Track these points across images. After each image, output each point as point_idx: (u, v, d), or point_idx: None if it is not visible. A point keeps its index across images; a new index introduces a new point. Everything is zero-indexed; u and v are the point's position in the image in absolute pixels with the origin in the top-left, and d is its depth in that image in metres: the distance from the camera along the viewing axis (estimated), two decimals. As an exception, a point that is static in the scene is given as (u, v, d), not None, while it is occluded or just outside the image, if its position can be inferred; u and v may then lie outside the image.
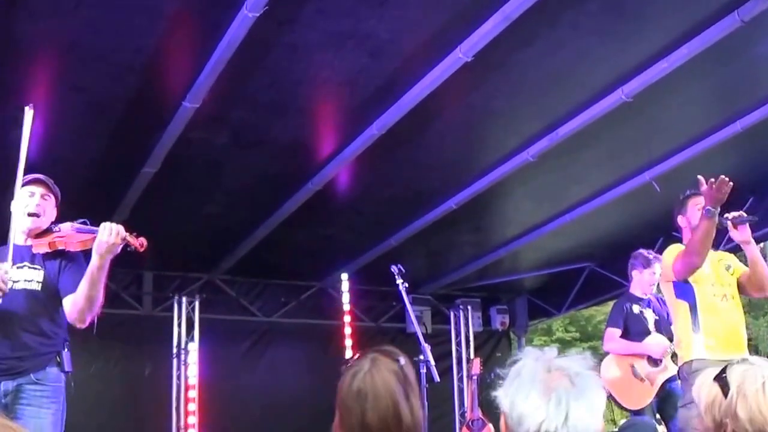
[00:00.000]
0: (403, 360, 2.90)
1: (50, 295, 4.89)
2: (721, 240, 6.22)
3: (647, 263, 7.63)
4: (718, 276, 6.00)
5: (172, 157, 7.52)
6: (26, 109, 4.98)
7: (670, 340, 7.41)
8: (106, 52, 6.10)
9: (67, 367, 4.90)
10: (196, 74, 6.24)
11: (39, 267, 4.89)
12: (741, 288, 6.07)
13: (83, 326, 4.81)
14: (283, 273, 12.07)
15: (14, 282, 4.72)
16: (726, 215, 5.77)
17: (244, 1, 5.37)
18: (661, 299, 7.72)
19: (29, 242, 4.96)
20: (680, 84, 6.93)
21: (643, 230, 10.63)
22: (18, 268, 4.80)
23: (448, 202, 9.29)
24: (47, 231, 4.99)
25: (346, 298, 12.05)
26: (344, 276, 11.98)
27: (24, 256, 4.88)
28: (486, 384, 11.46)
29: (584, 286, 12.49)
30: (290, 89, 6.85)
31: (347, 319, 12.02)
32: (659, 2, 6.03)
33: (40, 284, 4.87)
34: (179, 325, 11.13)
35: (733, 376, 2.70)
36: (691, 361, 5.75)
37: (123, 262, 7.53)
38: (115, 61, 6.21)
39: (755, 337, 23.12)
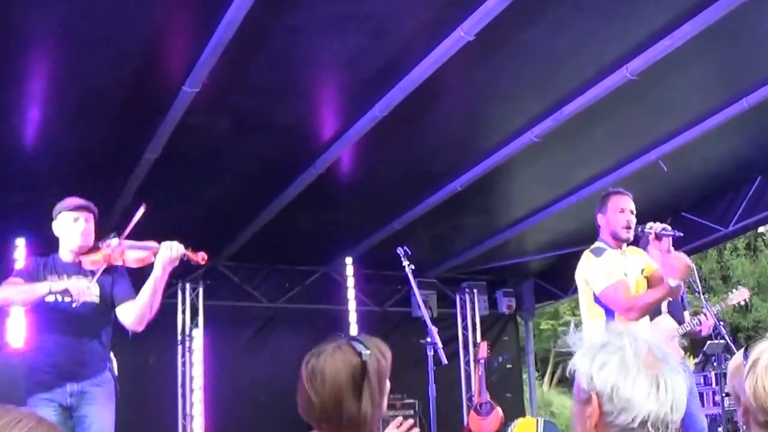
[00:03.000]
0: (367, 355, 2.90)
1: (107, 307, 5.54)
2: (637, 243, 6.45)
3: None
4: (637, 287, 6.08)
5: (172, 143, 7.45)
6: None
7: (680, 322, 7.37)
8: (103, 38, 6.01)
9: (114, 372, 5.63)
10: (196, 58, 6.15)
11: (93, 281, 5.46)
12: (650, 285, 6.14)
13: (140, 329, 5.52)
14: (287, 258, 12.02)
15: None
16: (651, 226, 5.84)
17: (243, -17, 5.30)
18: None
19: (76, 259, 5.52)
20: (685, 62, 6.85)
21: (650, 210, 10.52)
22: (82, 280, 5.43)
23: (453, 184, 9.22)
24: (95, 248, 5.52)
25: (350, 282, 12.03)
26: (348, 260, 11.94)
27: (73, 271, 5.49)
28: (493, 368, 11.43)
29: (591, 268, 12.33)
30: (291, 72, 6.78)
31: (352, 303, 11.99)
32: (663, -22, 5.95)
33: (98, 297, 5.48)
34: (183, 312, 11.10)
35: (754, 350, 2.65)
36: None
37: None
38: (112, 46, 6.14)
39: (764, 319, 23.08)
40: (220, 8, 5.56)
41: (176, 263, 5.41)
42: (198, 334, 11.06)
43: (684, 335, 7.26)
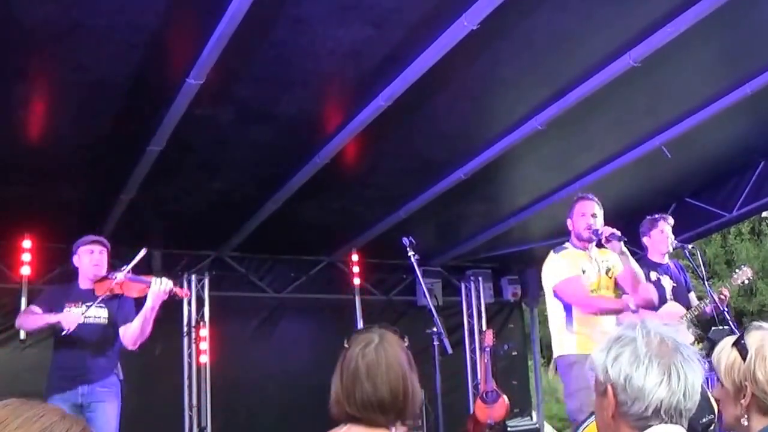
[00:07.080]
0: (406, 338, 3.02)
1: (113, 327, 6.80)
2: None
3: (653, 224, 7.75)
4: (599, 283, 6.67)
5: (177, 135, 7.45)
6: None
7: (688, 307, 7.39)
8: (107, 31, 6.01)
9: (120, 376, 6.92)
10: (200, 50, 6.14)
11: (103, 306, 6.78)
12: (618, 286, 6.79)
13: (133, 348, 6.80)
14: (292, 248, 12.04)
15: (87, 318, 6.65)
16: (601, 231, 6.60)
17: (246, -26, 5.30)
18: (679, 265, 7.72)
19: (91, 286, 6.85)
20: (688, 47, 6.84)
21: (655, 196, 10.58)
22: (87, 306, 6.68)
23: (457, 172, 9.22)
24: (105, 278, 6.85)
25: (355, 272, 12.03)
26: (354, 250, 11.95)
27: (89, 297, 6.77)
28: (499, 356, 11.41)
29: (595, 254, 12.32)
30: (295, 63, 6.77)
31: (357, 293, 12.01)
32: (666, -36, 5.94)
33: (107, 320, 6.80)
34: (189, 304, 11.12)
35: (751, 341, 2.70)
36: (562, 356, 6.52)
37: (130, 241, 7.49)
38: (116, 39, 6.13)
39: (768, 303, 23.07)
40: (223, 0, 5.57)
41: (165, 297, 6.65)
42: (204, 325, 11.08)
43: (692, 320, 7.29)
